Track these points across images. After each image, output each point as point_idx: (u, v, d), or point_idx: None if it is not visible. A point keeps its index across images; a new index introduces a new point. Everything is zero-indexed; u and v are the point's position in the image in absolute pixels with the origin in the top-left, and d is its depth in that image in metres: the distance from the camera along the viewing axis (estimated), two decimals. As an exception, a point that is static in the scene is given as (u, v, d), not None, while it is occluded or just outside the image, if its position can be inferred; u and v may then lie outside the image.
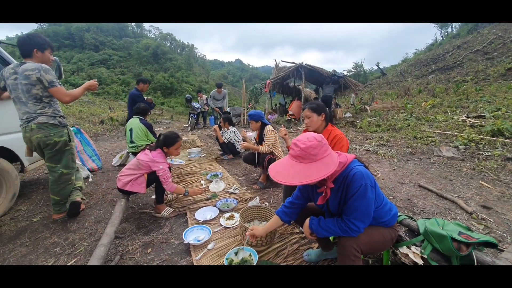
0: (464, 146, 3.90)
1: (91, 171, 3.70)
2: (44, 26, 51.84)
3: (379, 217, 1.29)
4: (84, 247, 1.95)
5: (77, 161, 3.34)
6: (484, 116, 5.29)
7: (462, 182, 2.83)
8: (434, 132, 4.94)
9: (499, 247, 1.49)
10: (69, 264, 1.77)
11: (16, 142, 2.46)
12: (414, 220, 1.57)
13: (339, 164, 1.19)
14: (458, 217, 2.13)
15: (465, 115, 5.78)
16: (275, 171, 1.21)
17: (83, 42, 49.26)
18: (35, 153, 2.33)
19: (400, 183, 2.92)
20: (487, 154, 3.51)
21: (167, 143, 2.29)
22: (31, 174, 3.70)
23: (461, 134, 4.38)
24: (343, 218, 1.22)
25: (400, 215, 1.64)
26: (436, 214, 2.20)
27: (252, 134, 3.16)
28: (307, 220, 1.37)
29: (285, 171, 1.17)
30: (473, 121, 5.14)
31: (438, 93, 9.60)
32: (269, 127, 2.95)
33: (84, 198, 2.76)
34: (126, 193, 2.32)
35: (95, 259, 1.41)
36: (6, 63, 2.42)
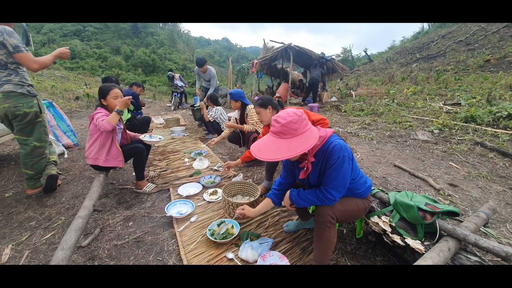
0: (438, 131, 4.13)
1: (67, 147, 3.53)
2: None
3: (354, 189, 1.36)
4: (62, 221, 1.91)
5: (51, 136, 3.15)
6: (460, 103, 5.57)
7: (433, 162, 3.03)
8: (412, 117, 5.16)
9: (460, 218, 1.65)
10: (44, 238, 1.73)
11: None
12: (386, 194, 1.68)
13: (319, 138, 1.22)
14: (427, 193, 2.30)
15: (443, 102, 6.05)
16: (257, 149, 1.21)
17: (53, 9, 44.46)
18: (2, 126, 2.16)
19: (377, 163, 3.07)
20: (458, 138, 3.75)
21: (102, 93, 2.07)
22: (1, 150, 3.46)
23: (437, 120, 4.62)
24: (321, 188, 1.27)
25: (374, 189, 1.74)
26: (407, 190, 2.36)
27: (234, 114, 3.13)
28: (288, 192, 1.43)
29: (267, 148, 1.18)
30: (449, 108, 5.40)
31: (420, 81, 9.91)
32: (250, 106, 2.93)
33: (60, 173, 2.65)
34: (103, 169, 2.21)
35: (73, 231, 1.39)
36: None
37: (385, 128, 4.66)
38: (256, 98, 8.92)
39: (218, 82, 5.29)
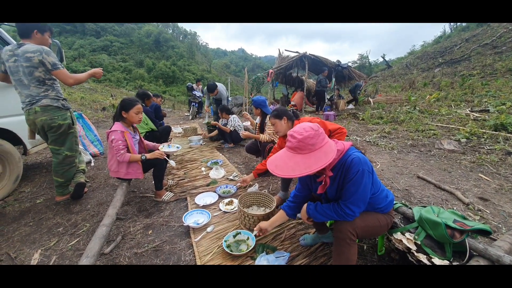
0: (465, 140, 3.88)
1: (93, 156, 3.74)
2: (44, 10, 50.73)
3: (375, 203, 1.31)
4: (87, 227, 2.00)
5: (79, 146, 3.37)
6: (488, 110, 5.22)
7: (461, 174, 2.84)
8: (436, 125, 4.90)
9: (493, 236, 1.52)
10: (70, 244, 1.82)
11: (18, 124, 2.47)
12: (410, 208, 1.60)
13: (336, 152, 1.20)
14: (455, 208, 2.15)
15: (469, 109, 5.70)
16: (273, 165, 1.18)
17: (85, 27, 48.45)
18: (37, 136, 2.35)
19: (399, 174, 2.94)
20: (488, 148, 3.50)
21: (125, 107, 2.15)
22: (34, 158, 3.75)
23: (464, 128, 4.35)
24: (339, 203, 1.23)
25: (396, 203, 1.66)
26: (433, 204, 2.22)
27: (247, 124, 3.18)
28: (305, 205, 1.40)
29: (283, 164, 1.15)
30: (476, 115, 5.08)
31: (444, 87, 9.45)
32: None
33: (87, 180, 2.81)
34: (125, 180, 2.30)
35: (97, 238, 1.46)
36: (6, 44, 2.40)
37: (407, 136, 4.47)
38: (272, 106, 8.98)
39: (228, 93, 5.44)
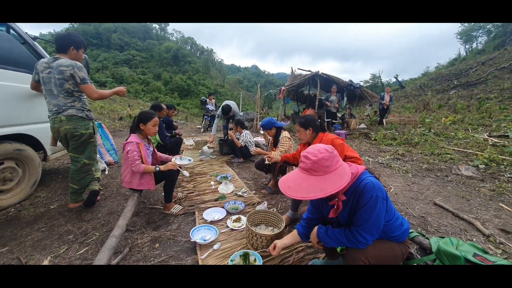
0: (484, 166, 3.72)
1: (108, 164, 3.86)
2: (74, 25, 55.26)
3: (389, 231, 1.26)
4: (96, 237, 2.03)
5: (97, 154, 3.50)
6: (508, 136, 5.03)
7: (480, 203, 2.69)
8: (453, 149, 4.74)
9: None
10: (79, 253, 1.84)
11: (42, 131, 2.61)
12: (427, 238, 1.52)
13: (350, 175, 1.18)
14: (474, 239, 2.02)
15: (487, 133, 5.51)
16: (286, 186, 1.16)
17: (110, 42, 51.91)
18: (58, 143, 2.47)
19: (414, 200, 2.82)
20: (508, 175, 3.32)
21: (144, 119, 2.22)
22: (52, 164, 3.91)
23: (482, 153, 4.18)
24: (351, 229, 1.20)
25: (412, 232, 1.59)
26: (451, 234, 2.10)
27: (259, 139, 3.19)
28: (315, 229, 1.36)
29: (297, 185, 1.13)
30: (495, 140, 4.89)
31: (460, 110, 9.24)
32: (285, 133, 2.97)
33: (101, 189, 2.88)
34: (137, 190, 2.33)
35: (106, 249, 1.47)
36: (40, 57, 2.60)
37: (422, 160, 4.33)
38: (282, 123, 9.04)
39: (238, 110, 5.59)
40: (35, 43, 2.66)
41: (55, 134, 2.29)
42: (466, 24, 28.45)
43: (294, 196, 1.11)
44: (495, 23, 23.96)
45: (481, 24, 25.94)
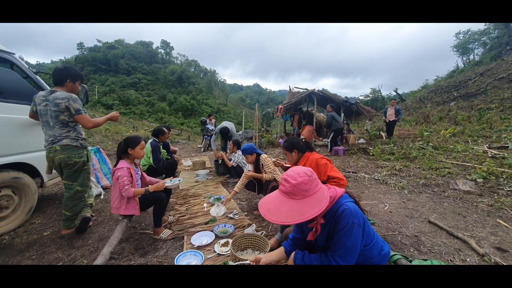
0: (482, 180, 3.64)
1: (104, 188, 3.92)
2: (84, 52, 58.52)
3: (369, 257, 1.26)
4: (84, 264, 2.03)
5: (92, 179, 3.57)
6: (508, 147, 4.95)
7: (477, 219, 2.62)
8: (451, 162, 4.68)
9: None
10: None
11: (39, 159, 2.71)
12: (410, 261, 1.49)
13: (329, 198, 1.19)
14: (468, 259, 1.95)
15: (487, 145, 5.44)
16: (265, 209, 1.17)
17: (118, 67, 54.50)
18: (53, 171, 2.56)
19: (408, 218, 2.76)
20: (507, 189, 3.24)
21: (131, 144, 2.29)
22: (50, 189, 3.98)
23: (481, 166, 4.11)
24: (328, 255, 1.20)
25: (395, 255, 1.57)
26: (444, 254, 2.04)
27: (248, 166, 3.26)
28: (292, 254, 1.37)
29: (276, 208, 1.14)
30: (495, 152, 4.82)
31: (460, 121, 9.19)
32: (263, 156, 3.04)
33: (93, 215, 2.91)
34: (126, 216, 2.35)
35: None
36: (41, 89, 2.78)
37: (419, 175, 4.27)
38: (281, 141, 9.10)
39: (235, 130, 5.84)
40: (37, 77, 2.85)
41: (50, 162, 2.38)
42: (461, 36, 29.05)
43: (273, 221, 1.12)
44: (490, 35, 24.44)
45: (476, 36, 26.46)
